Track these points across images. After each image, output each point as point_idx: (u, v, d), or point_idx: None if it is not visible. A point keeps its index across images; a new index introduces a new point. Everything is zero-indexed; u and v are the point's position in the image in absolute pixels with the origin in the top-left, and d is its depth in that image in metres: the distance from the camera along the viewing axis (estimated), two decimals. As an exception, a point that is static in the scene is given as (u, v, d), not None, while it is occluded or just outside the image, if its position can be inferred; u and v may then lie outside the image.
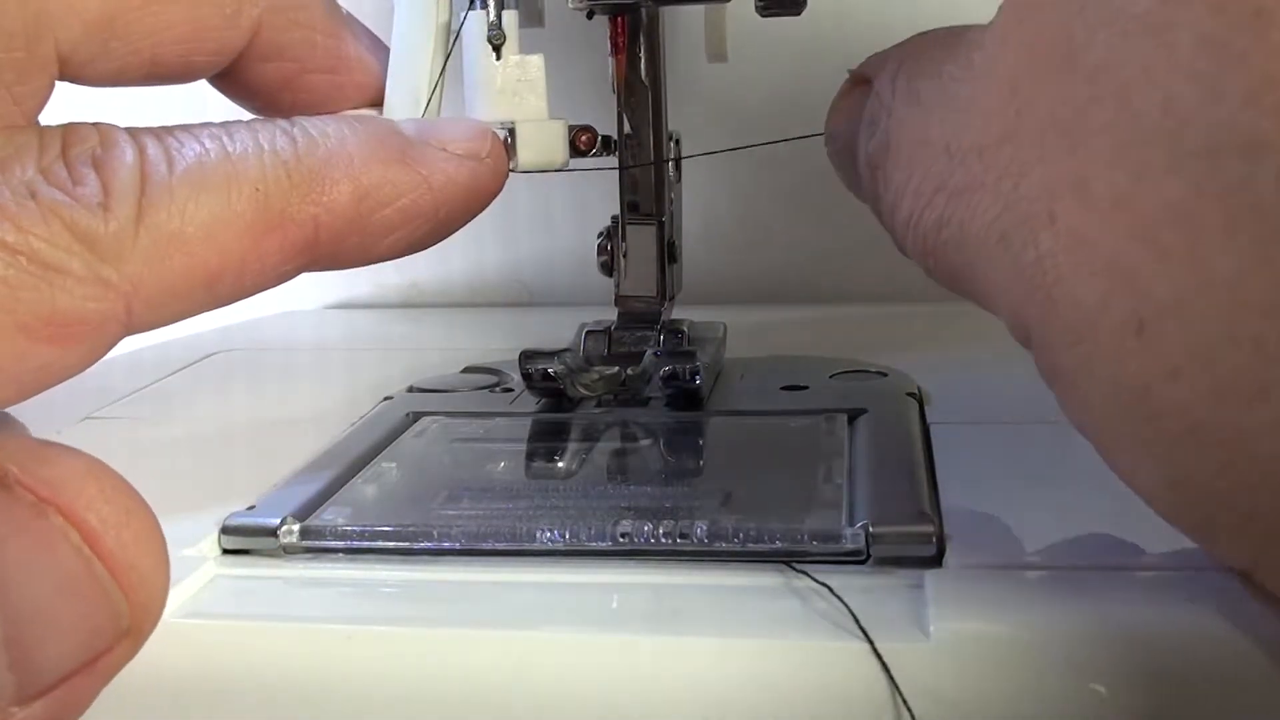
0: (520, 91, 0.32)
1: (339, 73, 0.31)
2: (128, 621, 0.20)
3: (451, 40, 0.32)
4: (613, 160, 0.35)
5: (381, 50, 0.33)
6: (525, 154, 0.32)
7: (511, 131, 0.32)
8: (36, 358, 0.21)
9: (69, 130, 0.25)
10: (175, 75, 0.29)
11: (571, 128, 0.33)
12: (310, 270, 0.27)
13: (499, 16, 0.32)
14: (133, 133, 0.25)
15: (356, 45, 0.32)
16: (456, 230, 0.29)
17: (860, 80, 0.27)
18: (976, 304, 0.23)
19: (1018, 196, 0.20)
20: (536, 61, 0.32)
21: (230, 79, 0.31)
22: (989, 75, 0.22)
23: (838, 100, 0.29)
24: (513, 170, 0.32)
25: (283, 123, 0.26)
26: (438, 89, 0.33)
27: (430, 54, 0.32)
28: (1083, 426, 0.21)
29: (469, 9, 0.32)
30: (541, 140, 0.32)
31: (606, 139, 0.35)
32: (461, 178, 0.28)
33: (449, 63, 0.33)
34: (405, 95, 0.32)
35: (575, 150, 0.33)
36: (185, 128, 0.26)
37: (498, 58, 0.32)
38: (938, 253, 0.23)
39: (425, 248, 0.29)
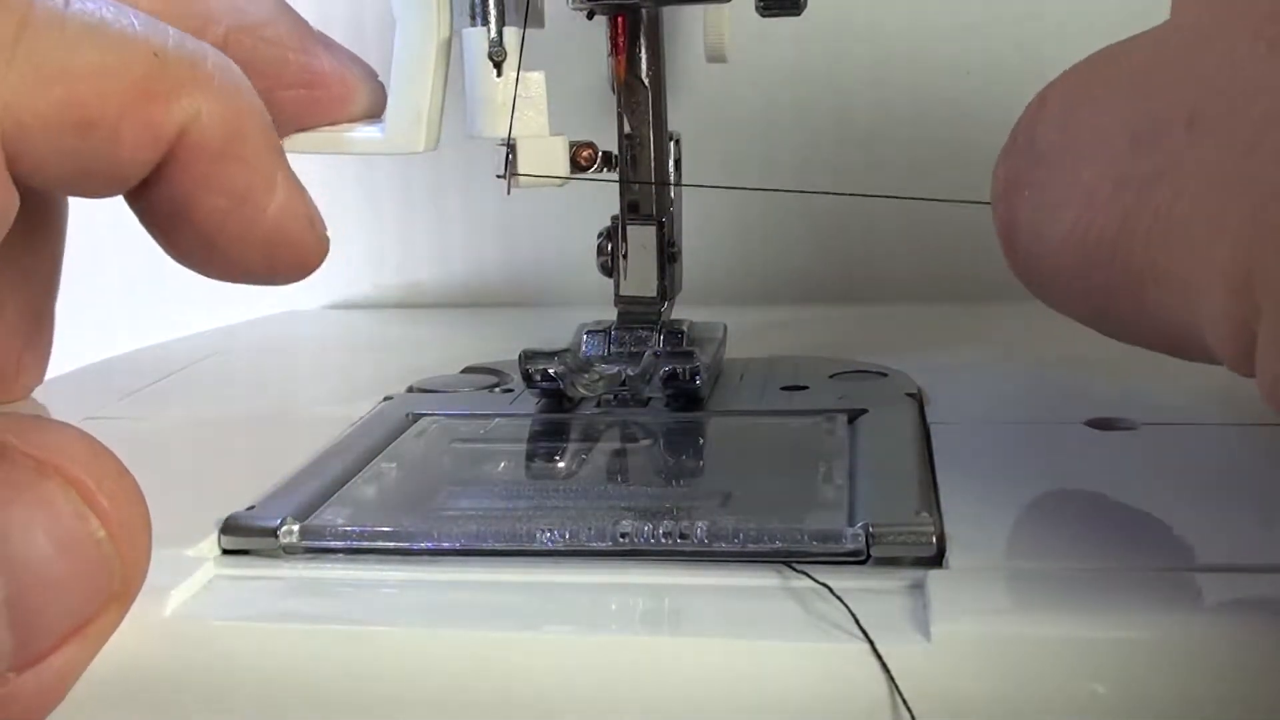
0: (521, 108, 0.32)
1: (314, 88, 0.31)
2: (120, 582, 0.20)
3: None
4: (611, 174, 0.36)
5: (359, 66, 0.33)
6: (526, 170, 0.32)
7: (513, 147, 0.32)
8: None
9: None
10: None
11: (572, 144, 0.34)
12: (154, 190, 0.26)
13: (500, 33, 0.32)
14: None
15: (330, 60, 0.32)
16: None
17: None
18: (1159, 308, 0.20)
19: (1263, 147, 0.18)
20: (537, 78, 0.32)
21: None
22: (1210, 33, 0.20)
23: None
24: (515, 186, 0.32)
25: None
26: (439, 105, 0.33)
27: (432, 70, 0.32)
28: None
29: (470, 25, 0.32)
30: (542, 156, 0.32)
31: (607, 154, 0.35)
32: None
33: (451, 78, 0.33)
34: (407, 111, 0.32)
35: (576, 166, 0.34)
36: None
37: (498, 74, 0.32)
38: (1118, 256, 0.20)
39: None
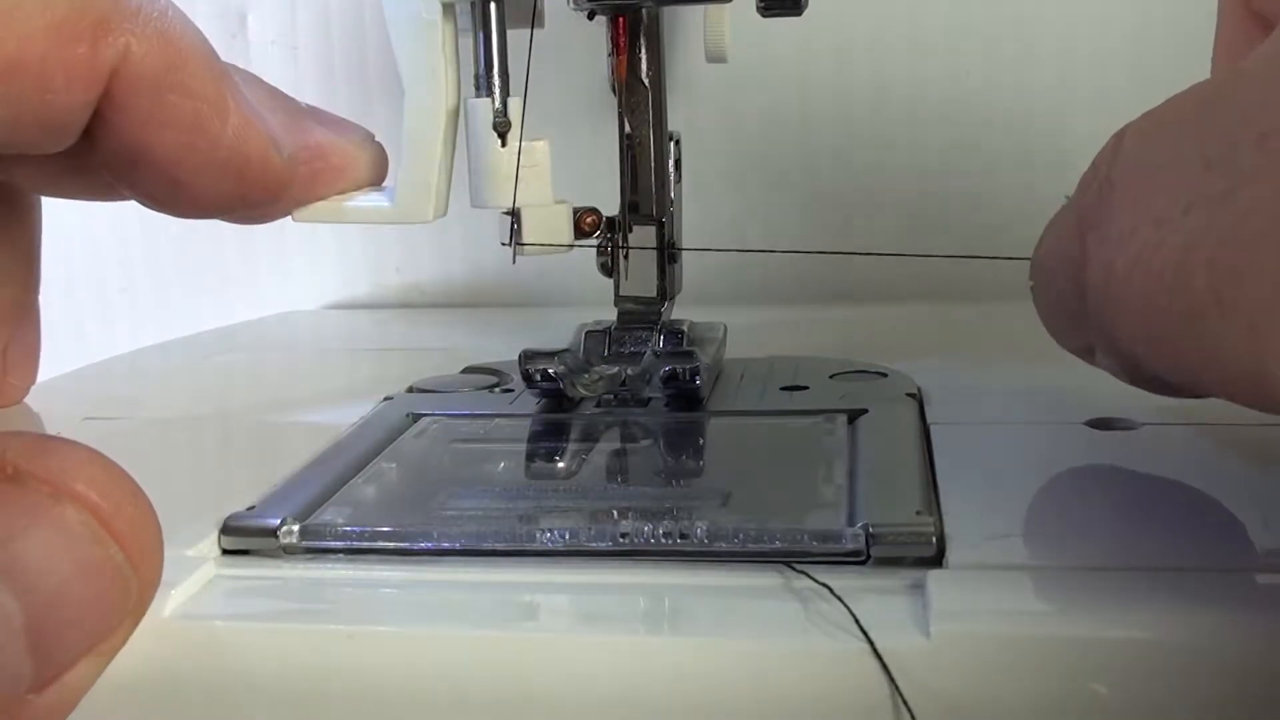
0: (525, 177, 0.32)
1: (311, 163, 0.31)
2: (136, 601, 0.20)
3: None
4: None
5: (356, 132, 0.33)
6: (531, 238, 0.33)
7: (517, 215, 0.33)
8: None
9: None
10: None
11: (576, 210, 0.34)
12: (105, 137, 0.26)
13: (504, 104, 0.32)
14: None
15: (324, 133, 0.32)
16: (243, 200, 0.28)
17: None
18: (1221, 343, 0.19)
19: None
20: (542, 147, 0.33)
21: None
22: None
23: (1048, 226, 0.25)
24: (519, 254, 0.33)
25: None
26: (447, 175, 0.33)
27: (441, 141, 0.32)
28: None
29: (475, 96, 0.32)
30: (546, 224, 0.33)
31: (611, 220, 0.36)
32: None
33: (457, 146, 0.33)
34: (417, 181, 0.33)
35: (580, 232, 0.34)
36: None
37: (503, 144, 0.32)
38: (1180, 283, 0.19)
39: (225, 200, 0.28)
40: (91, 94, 0.25)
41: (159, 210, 0.29)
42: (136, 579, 0.20)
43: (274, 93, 0.31)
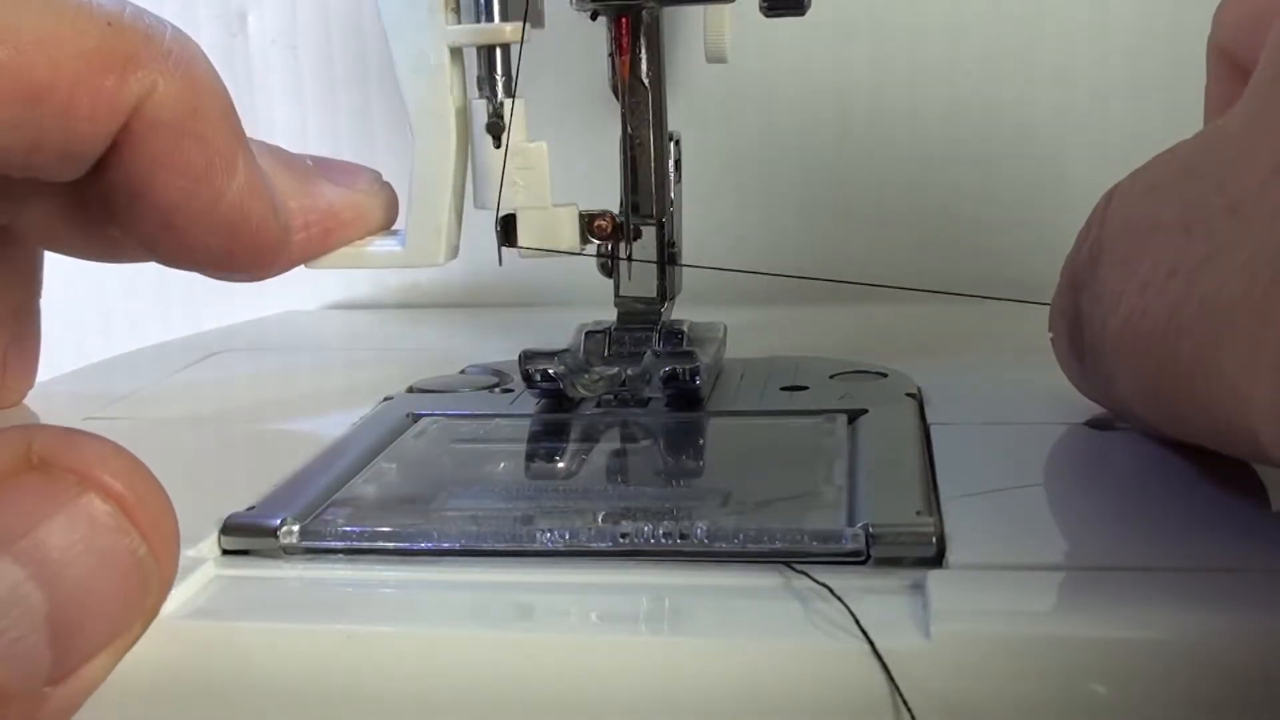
0: (520, 180, 0.32)
1: (324, 223, 0.31)
2: (155, 596, 0.20)
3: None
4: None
5: (365, 179, 0.33)
6: (526, 240, 0.32)
7: (513, 218, 0.33)
8: None
9: None
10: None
11: (588, 214, 0.34)
12: (114, 169, 0.26)
13: (499, 105, 0.32)
14: None
15: (334, 190, 0.32)
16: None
17: None
18: (1209, 401, 0.19)
19: None
20: (539, 149, 0.33)
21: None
22: (1254, 126, 0.19)
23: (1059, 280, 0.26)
24: (521, 256, 0.33)
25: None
26: (457, 217, 0.33)
27: (450, 184, 0.33)
28: None
29: (478, 97, 0.33)
30: (542, 227, 0.33)
31: (620, 224, 0.35)
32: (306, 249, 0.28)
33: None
34: (427, 225, 0.33)
35: (594, 235, 0.34)
36: None
37: (496, 145, 0.32)
38: (1168, 346, 0.20)
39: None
40: (113, 125, 0.25)
41: (148, 256, 0.29)
42: (158, 572, 0.20)
43: (281, 156, 0.31)
